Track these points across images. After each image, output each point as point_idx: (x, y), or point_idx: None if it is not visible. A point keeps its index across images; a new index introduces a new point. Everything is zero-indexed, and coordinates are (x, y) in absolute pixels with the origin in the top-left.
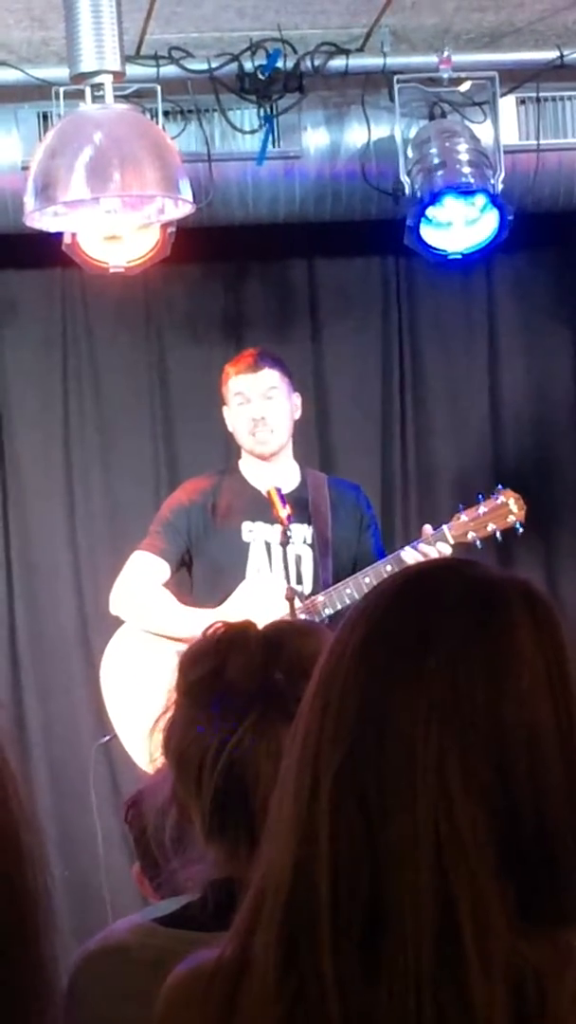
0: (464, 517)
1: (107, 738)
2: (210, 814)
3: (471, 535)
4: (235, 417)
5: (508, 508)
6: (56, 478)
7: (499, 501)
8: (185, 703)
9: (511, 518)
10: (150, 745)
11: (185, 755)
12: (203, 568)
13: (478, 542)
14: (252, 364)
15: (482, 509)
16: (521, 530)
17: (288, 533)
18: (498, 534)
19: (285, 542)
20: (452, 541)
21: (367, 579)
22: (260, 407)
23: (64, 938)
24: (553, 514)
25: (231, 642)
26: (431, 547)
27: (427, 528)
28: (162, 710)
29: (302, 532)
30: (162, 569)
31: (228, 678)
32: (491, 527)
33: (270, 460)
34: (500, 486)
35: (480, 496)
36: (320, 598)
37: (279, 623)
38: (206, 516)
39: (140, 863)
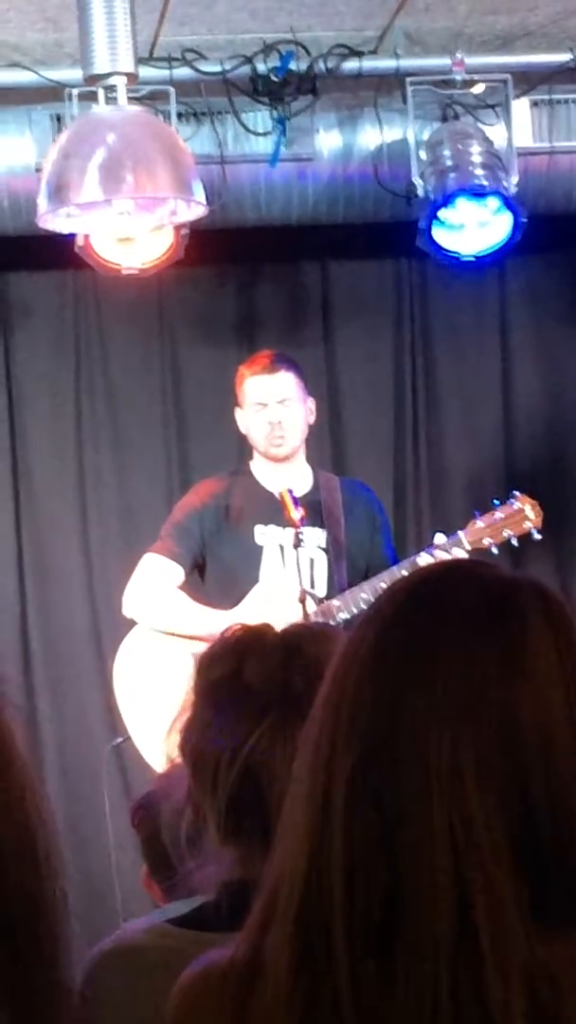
0: (480, 523)
1: (120, 740)
2: (225, 815)
3: (487, 541)
4: (250, 420)
5: (524, 514)
6: (69, 479)
7: (515, 507)
8: (202, 704)
9: (527, 524)
10: (167, 746)
11: (202, 756)
12: (216, 571)
13: (494, 548)
14: (269, 367)
15: (498, 515)
16: (538, 537)
17: (300, 535)
18: (514, 540)
19: (297, 544)
20: (469, 547)
21: (382, 583)
22: (276, 411)
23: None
24: (565, 516)
25: (249, 645)
26: (447, 553)
27: (440, 536)
28: (179, 711)
29: (315, 536)
30: (175, 572)
31: (246, 681)
32: (507, 533)
33: (283, 463)
34: (516, 492)
35: (496, 502)
36: (335, 602)
37: (296, 627)
38: (219, 519)
39: (148, 866)
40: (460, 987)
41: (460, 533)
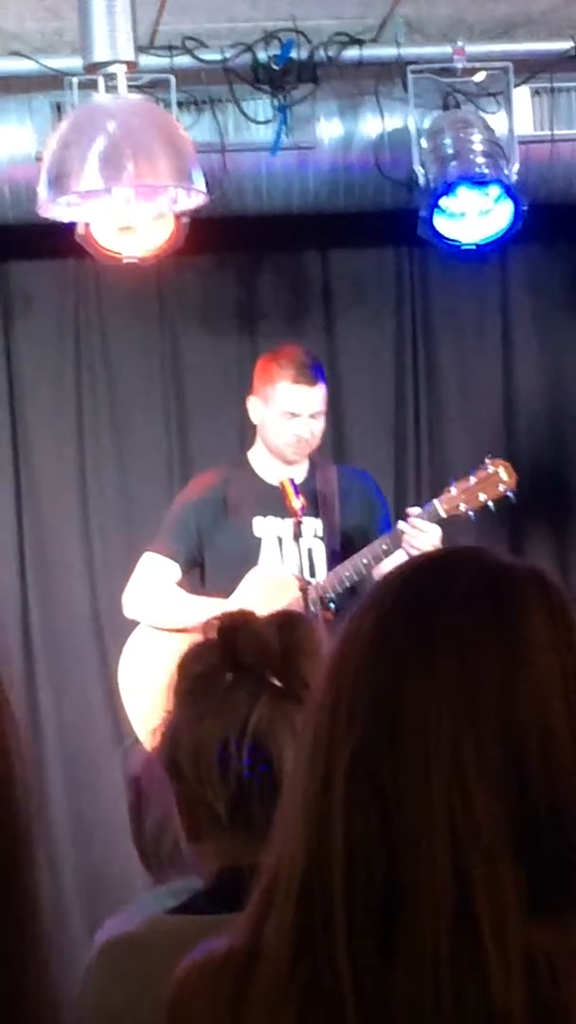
0: (454, 490)
1: (129, 742)
2: (239, 798)
3: (462, 506)
4: (277, 425)
5: (499, 477)
6: (69, 470)
7: (489, 471)
8: (190, 700)
9: (502, 487)
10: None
11: (202, 748)
12: (214, 564)
13: (471, 513)
14: (309, 378)
15: (472, 480)
16: (513, 498)
17: (300, 524)
18: (490, 504)
19: (298, 534)
20: (444, 514)
21: (364, 560)
22: (308, 424)
23: (75, 926)
24: (566, 504)
25: (236, 624)
26: (422, 521)
27: (413, 509)
28: (158, 723)
29: (312, 525)
30: (172, 569)
31: (238, 661)
32: (482, 497)
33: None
34: (489, 455)
35: (472, 469)
36: (322, 583)
37: (277, 613)
38: (216, 512)
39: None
40: (460, 973)
41: (435, 501)
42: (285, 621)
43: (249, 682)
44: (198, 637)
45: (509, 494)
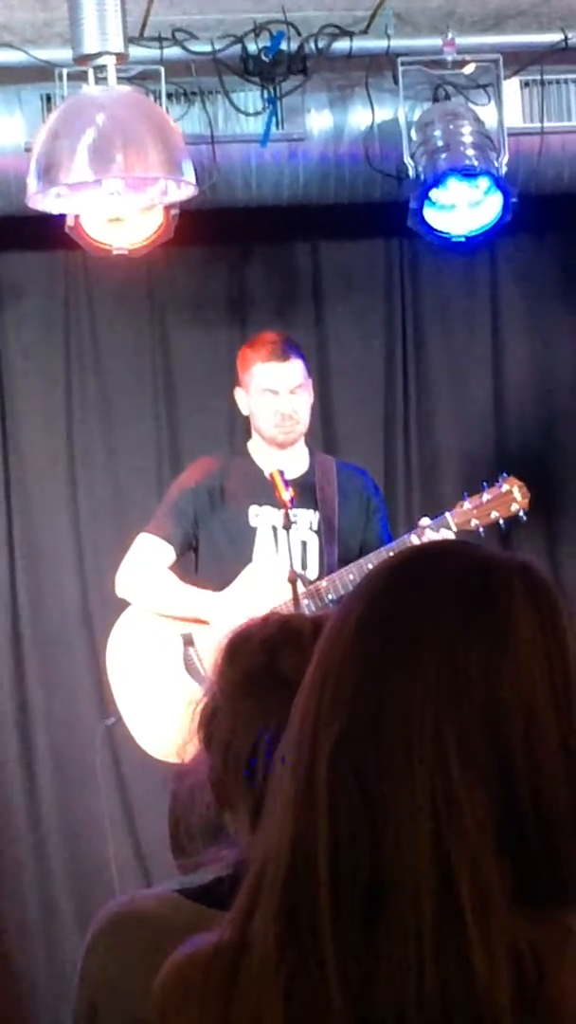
0: (467, 504)
1: (112, 719)
2: (258, 804)
3: (474, 522)
4: (259, 407)
5: (512, 496)
6: (59, 461)
7: (503, 489)
8: (230, 693)
9: (514, 506)
10: (184, 730)
11: (232, 746)
12: (209, 550)
13: (481, 529)
14: (280, 354)
15: (486, 496)
16: (524, 518)
17: (290, 516)
18: (501, 522)
19: (287, 525)
20: (455, 528)
21: (370, 565)
22: (289, 401)
23: (66, 920)
24: (556, 498)
25: (286, 637)
26: (435, 533)
27: (424, 520)
28: (178, 697)
29: (308, 518)
30: (167, 552)
31: (280, 671)
32: (494, 514)
33: (283, 448)
34: (504, 474)
35: (484, 484)
36: (323, 583)
37: (327, 617)
38: (213, 498)
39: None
40: (444, 962)
41: (447, 514)
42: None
43: (287, 694)
44: (187, 626)
45: (521, 514)
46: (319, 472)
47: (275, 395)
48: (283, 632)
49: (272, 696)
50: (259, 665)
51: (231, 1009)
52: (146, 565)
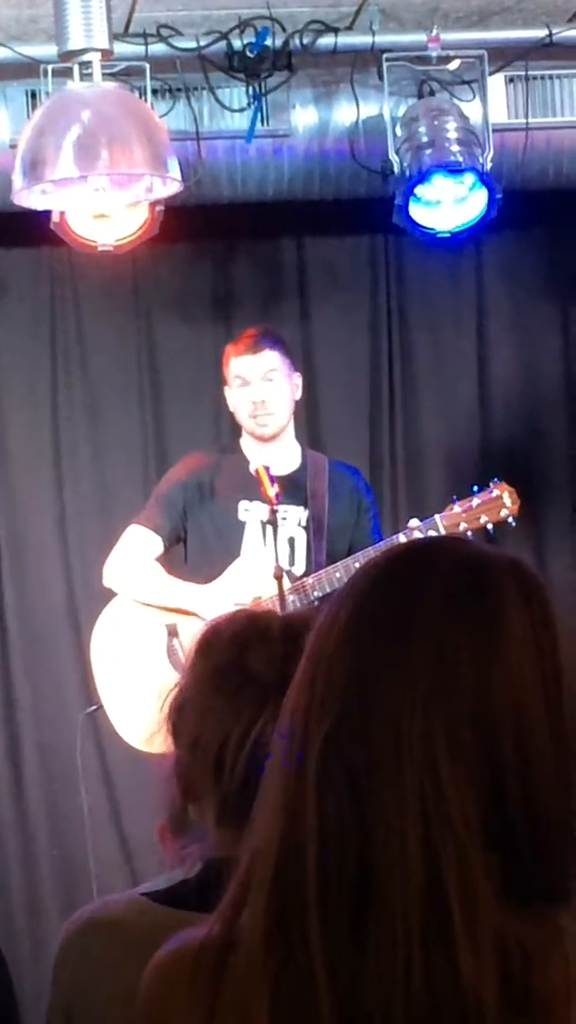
0: (457, 508)
1: (94, 708)
2: (233, 800)
3: (463, 526)
4: (236, 399)
5: (502, 501)
6: (45, 456)
7: (493, 494)
8: (200, 688)
9: (504, 512)
10: (153, 721)
11: (200, 741)
12: (197, 544)
13: (469, 534)
14: (252, 346)
15: (475, 501)
16: (514, 524)
17: (276, 512)
18: (490, 527)
19: (273, 521)
20: (444, 531)
21: (357, 564)
22: (260, 390)
23: (52, 917)
24: (541, 494)
25: (254, 633)
26: (422, 535)
27: (414, 521)
28: (157, 688)
29: (297, 514)
30: (155, 543)
31: (250, 668)
32: (483, 519)
33: (271, 442)
34: (495, 479)
35: (475, 488)
36: (310, 580)
37: (297, 615)
38: (203, 493)
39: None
40: (431, 956)
41: (436, 517)
42: (295, 632)
43: (256, 691)
44: (172, 617)
45: (510, 519)
46: (310, 469)
47: (247, 385)
48: (252, 628)
49: (241, 693)
50: (228, 661)
51: (218, 1005)
52: (134, 556)
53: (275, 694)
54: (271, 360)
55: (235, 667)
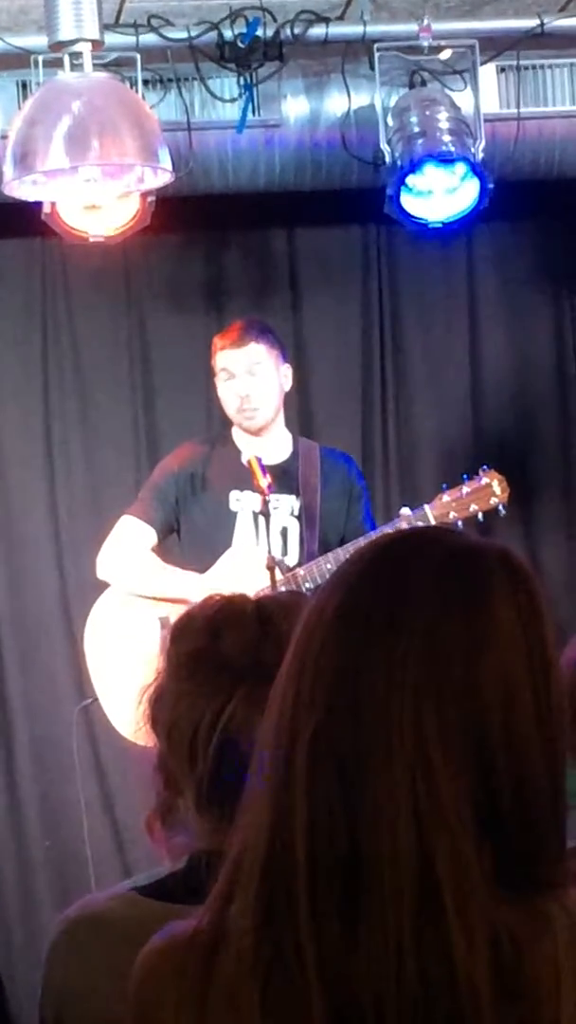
0: (446, 497)
1: (89, 701)
2: (207, 786)
3: (452, 515)
4: (222, 393)
5: (491, 490)
6: (36, 447)
7: (483, 483)
8: (175, 675)
9: (494, 500)
10: (136, 714)
11: (175, 728)
12: (190, 535)
13: (459, 523)
14: (237, 339)
15: (465, 490)
16: (503, 512)
17: (268, 502)
18: (480, 515)
19: (265, 512)
20: (434, 521)
21: (346, 554)
22: (245, 383)
23: (47, 909)
24: (533, 485)
25: (227, 617)
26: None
27: (405, 510)
28: (150, 680)
29: (289, 503)
30: (148, 534)
31: (223, 652)
32: (473, 508)
33: (260, 434)
34: (484, 467)
35: (464, 476)
36: (301, 571)
37: (269, 598)
38: (195, 483)
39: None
40: (423, 947)
41: (426, 507)
42: (268, 615)
43: (230, 674)
44: (165, 608)
45: (500, 507)
46: (302, 458)
47: (233, 378)
48: (225, 613)
49: (214, 678)
50: (201, 646)
51: (208, 996)
52: (127, 546)
53: (249, 678)
54: (256, 353)
55: (209, 653)
